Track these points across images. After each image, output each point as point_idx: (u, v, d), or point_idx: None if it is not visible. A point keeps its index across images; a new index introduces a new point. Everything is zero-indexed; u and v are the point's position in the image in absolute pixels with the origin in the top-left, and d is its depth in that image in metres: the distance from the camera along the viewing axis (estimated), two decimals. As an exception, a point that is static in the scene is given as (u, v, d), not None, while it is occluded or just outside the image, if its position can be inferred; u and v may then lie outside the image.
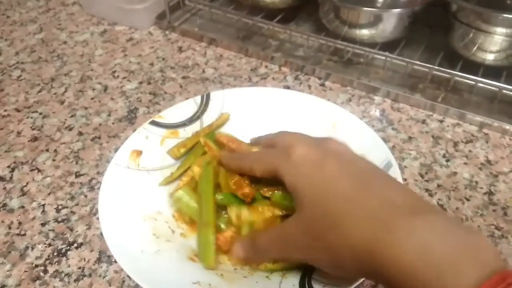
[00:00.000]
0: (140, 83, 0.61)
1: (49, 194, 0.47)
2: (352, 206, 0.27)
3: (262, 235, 0.34)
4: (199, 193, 0.39)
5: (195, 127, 0.48)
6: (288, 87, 0.59)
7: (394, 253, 0.24)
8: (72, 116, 0.56)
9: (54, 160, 0.51)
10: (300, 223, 0.30)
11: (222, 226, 0.38)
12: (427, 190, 0.46)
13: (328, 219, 0.28)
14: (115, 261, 0.39)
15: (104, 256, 0.41)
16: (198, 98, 0.50)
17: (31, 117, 0.56)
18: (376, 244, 0.25)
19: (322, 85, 0.60)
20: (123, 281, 0.39)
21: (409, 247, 0.24)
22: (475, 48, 0.55)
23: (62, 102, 0.59)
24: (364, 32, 0.59)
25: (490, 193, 0.45)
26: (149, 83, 0.61)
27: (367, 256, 0.25)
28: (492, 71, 0.55)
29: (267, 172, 0.34)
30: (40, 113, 0.57)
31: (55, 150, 0.52)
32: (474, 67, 0.55)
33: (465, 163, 0.48)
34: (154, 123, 0.47)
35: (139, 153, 0.44)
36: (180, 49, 0.67)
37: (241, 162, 0.37)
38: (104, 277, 0.39)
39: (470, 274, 0.22)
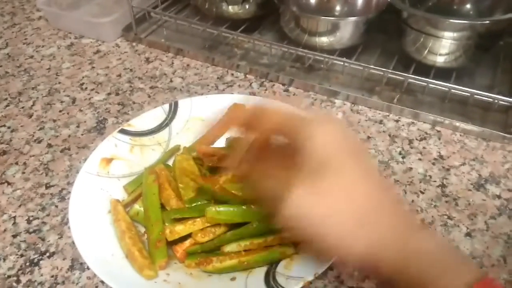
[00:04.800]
0: (108, 94, 0.62)
1: (19, 206, 0.47)
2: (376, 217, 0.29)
3: (266, 179, 0.33)
4: (144, 201, 0.41)
5: (164, 134, 0.50)
6: (254, 94, 0.62)
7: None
8: (40, 129, 0.57)
9: (23, 172, 0.51)
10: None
11: (167, 224, 0.39)
12: (385, 185, 0.48)
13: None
14: (88, 268, 0.40)
15: (77, 264, 0.42)
16: (166, 106, 0.52)
17: (-1, 132, 0.57)
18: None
19: (286, 90, 0.62)
20: (96, 287, 0.40)
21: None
22: (426, 52, 0.58)
23: (30, 116, 0.59)
24: (324, 40, 0.62)
25: (442, 186, 0.49)
26: (117, 94, 0.62)
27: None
28: (442, 73, 0.58)
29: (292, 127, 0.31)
30: (8, 127, 0.57)
31: (25, 163, 0.52)
32: (426, 69, 0.59)
33: (420, 159, 0.52)
34: (123, 131, 0.48)
35: (109, 160, 0.45)
36: (148, 60, 0.69)
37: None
38: (77, 283, 0.40)
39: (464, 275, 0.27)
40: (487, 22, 0.54)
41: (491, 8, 0.62)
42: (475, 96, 0.55)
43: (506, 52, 0.65)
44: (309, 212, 0.29)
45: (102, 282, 0.39)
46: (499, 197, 0.47)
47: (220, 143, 0.46)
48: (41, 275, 0.41)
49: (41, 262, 0.42)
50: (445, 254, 0.29)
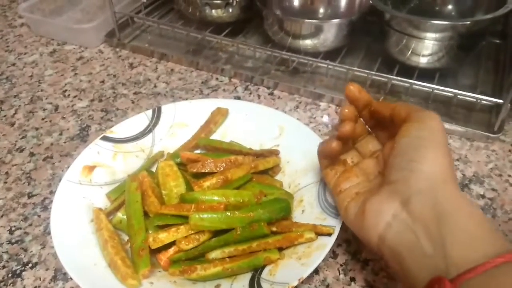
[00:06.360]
0: (92, 100, 0.61)
1: (1, 216, 0.46)
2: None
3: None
4: (127, 209, 0.41)
5: (147, 140, 0.50)
6: (238, 98, 0.61)
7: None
8: (23, 137, 0.56)
9: (5, 182, 0.50)
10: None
11: (150, 231, 0.39)
12: (370, 187, 0.48)
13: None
14: (71, 278, 0.40)
15: (60, 274, 0.41)
16: (149, 112, 0.51)
17: (-20, 141, 0.56)
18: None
19: (271, 94, 0.62)
20: (80, 297, 0.39)
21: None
22: (409, 53, 0.59)
23: (12, 124, 0.58)
24: (307, 42, 0.62)
25: (427, 186, 0.49)
26: (100, 101, 0.61)
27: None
28: (426, 74, 0.59)
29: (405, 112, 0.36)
30: (-10, 136, 0.56)
31: (7, 173, 0.51)
32: (409, 70, 0.59)
33: (404, 160, 0.52)
34: (105, 138, 0.48)
35: (91, 168, 0.45)
36: (131, 65, 0.68)
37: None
38: (60, 294, 0.40)
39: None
40: (468, 22, 0.54)
41: (473, 8, 0.63)
42: (459, 96, 0.56)
43: (488, 52, 0.66)
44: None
45: (86, 292, 0.39)
46: (483, 196, 0.47)
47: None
48: (24, 287, 0.40)
49: (23, 273, 0.41)
50: (472, 221, 0.29)
